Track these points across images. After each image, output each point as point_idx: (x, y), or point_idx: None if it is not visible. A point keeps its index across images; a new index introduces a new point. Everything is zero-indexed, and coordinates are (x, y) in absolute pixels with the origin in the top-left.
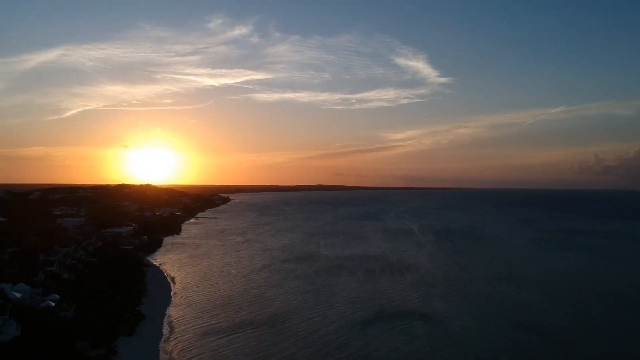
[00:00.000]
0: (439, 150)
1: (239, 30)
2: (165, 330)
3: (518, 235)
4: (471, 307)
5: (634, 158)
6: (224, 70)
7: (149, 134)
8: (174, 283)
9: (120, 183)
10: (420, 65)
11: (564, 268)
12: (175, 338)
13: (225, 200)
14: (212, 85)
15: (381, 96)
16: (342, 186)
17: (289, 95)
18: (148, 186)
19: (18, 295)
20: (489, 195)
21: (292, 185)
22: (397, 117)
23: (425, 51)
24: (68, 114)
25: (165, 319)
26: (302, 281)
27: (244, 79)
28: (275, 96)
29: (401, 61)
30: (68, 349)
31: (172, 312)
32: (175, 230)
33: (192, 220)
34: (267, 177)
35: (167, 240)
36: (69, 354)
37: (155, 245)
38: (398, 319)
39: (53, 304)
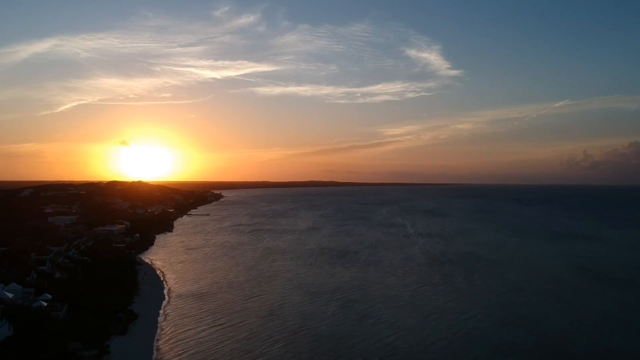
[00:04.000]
0: (437, 145)
1: (246, 19)
2: (159, 329)
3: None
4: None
5: (623, 153)
6: (226, 62)
7: (145, 130)
8: (166, 281)
9: (112, 180)
10: (432, 57)
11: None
12: (169, 337)
13: (218, 197)
14: (213, 78)
15: (387, 90)
16: (334, 182)
17: (292, 89)
18: (140, 183)
19: (10, 295)
20: (475, 190)
21: (284, 181)
22: (401, 112)
23: (440, 42)
24: (61, 108)
25: (158, 318)
26: (293, 277)
27: (247, 71)
28: (277, 90)
29: (412, 53)
30: (61, 350)
31: (165, 310)
32: (167, 227)
33: (184, 217)
34: (260, 174)
35: (159, 237)
36: (62, 355)
37: (147, 243)
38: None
39: (45, 304)
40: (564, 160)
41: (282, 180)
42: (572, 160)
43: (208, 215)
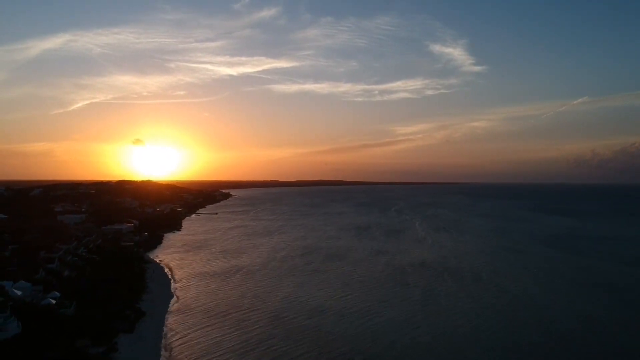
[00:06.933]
0: (450, 144)
1: (267, 12)
2: (166, 327)
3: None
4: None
5: (631, 152)
6: (243, 58)
7: (157, 129)
8: (174, 279)
9: (121, 179)
10: (456, 53)
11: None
12: (176, 335)
13: (226, 196)
14: (229, 75)
15: (407, 87)
16: (343, 181)
17: (309, 86)
18: (149, 182)
19: (19, 292)
20: (479, 189)
21: (293, 180)
22: (417, 110)
23: (467, 36)
24: (74, 107)
25: (165, 316)
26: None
27: (265, 67)
28: (294, 87)
29: (436, 48)
30: (69, 347)
31: (173, 308)
32: (176, 226)
33: (193, 216)
34: (269, 173)
35: (168, 236)
36: (70, 352)
37: (155, 241)
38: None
39: (54, 301)
40: (573, 159)
41: (291, 180)
42: (580, 158)
43: (217, 214)
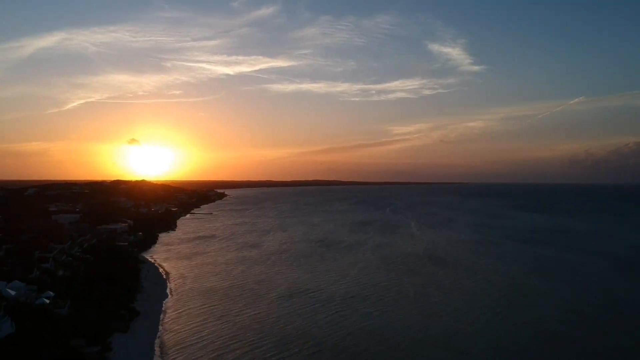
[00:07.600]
0: (446, 144)
1: (265, 10)
2: (160, 326)
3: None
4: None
5: (623, 152)
6: (240, 57)
7: (153, 128)
8: (169, 279)
9: (116, 179)
10: (455, 52)
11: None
12: (170, 334)
13: (221, 195)
14: (226, 74)
15: (404, 86)
16: (339, 181)
17: (306, 85)
18: (143, 182)
19: (12, 292)
20: (470, 189)
21: (288, 180)
22: (414, 109)
23: (466, 35)
24: (69, 106)
25: (160, 316)
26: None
27: (262, 66)
28: (291, 87)
29: (435, 47)
30: (63, 346)
31: (167, 308)
32: (171, 226)
33: (188, 216)
34: (264, 173)
35: (163, 236)
36: (64, 351)
37: (150, 241)
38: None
39: (48, 300)
40: (568, 159)
41: (286, 180)
42: (574, 158)
43: (212, 214)
